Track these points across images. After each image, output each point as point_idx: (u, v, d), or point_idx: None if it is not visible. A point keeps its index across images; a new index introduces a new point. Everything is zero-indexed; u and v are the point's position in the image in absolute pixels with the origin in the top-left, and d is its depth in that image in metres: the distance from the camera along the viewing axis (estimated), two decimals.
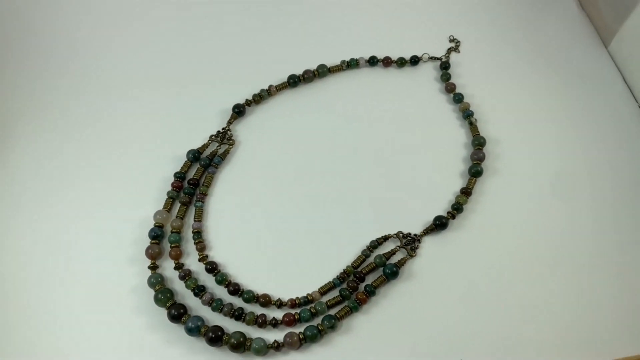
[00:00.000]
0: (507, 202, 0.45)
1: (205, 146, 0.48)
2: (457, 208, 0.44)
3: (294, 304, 0.40)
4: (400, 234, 0.43)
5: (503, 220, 0.44)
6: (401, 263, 0.42)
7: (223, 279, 0.41)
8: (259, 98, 0.51)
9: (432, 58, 0.55)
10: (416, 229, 0.44)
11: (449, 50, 0.56)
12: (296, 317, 0.39)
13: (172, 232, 0.43)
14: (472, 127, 0.49)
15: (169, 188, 0.45)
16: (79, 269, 0.41)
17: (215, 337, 0.37)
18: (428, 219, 0.44)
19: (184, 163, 0.47)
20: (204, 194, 0.45)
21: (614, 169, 0.47)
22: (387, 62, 0.54)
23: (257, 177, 0.47)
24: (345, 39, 0.57)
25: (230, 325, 0.39)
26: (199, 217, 0.44)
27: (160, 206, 0.44)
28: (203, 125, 0.49)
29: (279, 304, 0.40)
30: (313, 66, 0.53)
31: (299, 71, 0.53)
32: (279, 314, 0.40)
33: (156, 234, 0.42)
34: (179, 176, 0.46)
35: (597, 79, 0.54)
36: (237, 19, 0.59)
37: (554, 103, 0.52)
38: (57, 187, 0.46)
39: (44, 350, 0.38)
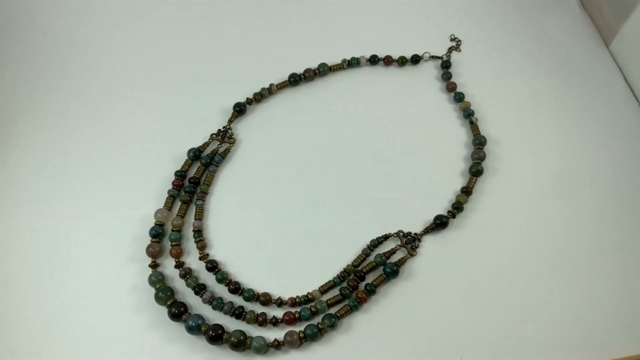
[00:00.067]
0: (508, 202, 0.45)
1: (206, 145, 0.48)
2: (457, 207, 0.44)
3: (294, 302, 0.40)
4: (401, 233, 0.43)
5: (503, 220, 0.44)
6: (401, 262, 0.42)
7: (223, 278, 0.41)
8: (260, 97, 0.51)
9: (433, 57, 0.55)
10: (416, 228, 0.44)
11: (450, 49, 0.56)
12: (296, 315, 0.39)
13: (172, 230, 0.43)
14: (473, 126, 0.49)
15: (170, 187, 0.45)
16: (80, 268, 0.42)
17: (216, 335, 0.37)
18: (428, 218, 0.44)
19: (185, 161, 0.47)
20: (205, 193, 0.45)
21: (614, 169, 0.47)
22: (388, 61, 0.54)
23: (257, 176, 0.47)
24: (346, 38, 0.57)
25: (231, 324, 0.39)
26: (200, 215, 0.44)
27: (161, 205, 0.44)
28: (203, 125, 0.49)
29: (279, 303, 0.40)
30: (314, 65, 0.53)
31: (299, 71, 0.53)
32: (279, 313, 0.40)
33: (157, 233, 0.42)
34: (180, 175, 0.46)
35: (598, 79, 0.54)
36: (237, 19, 0.58)
37: (555, 102, 0.52)
38: (57, 187, 0.46)
39: (45, 349, 0.38)
